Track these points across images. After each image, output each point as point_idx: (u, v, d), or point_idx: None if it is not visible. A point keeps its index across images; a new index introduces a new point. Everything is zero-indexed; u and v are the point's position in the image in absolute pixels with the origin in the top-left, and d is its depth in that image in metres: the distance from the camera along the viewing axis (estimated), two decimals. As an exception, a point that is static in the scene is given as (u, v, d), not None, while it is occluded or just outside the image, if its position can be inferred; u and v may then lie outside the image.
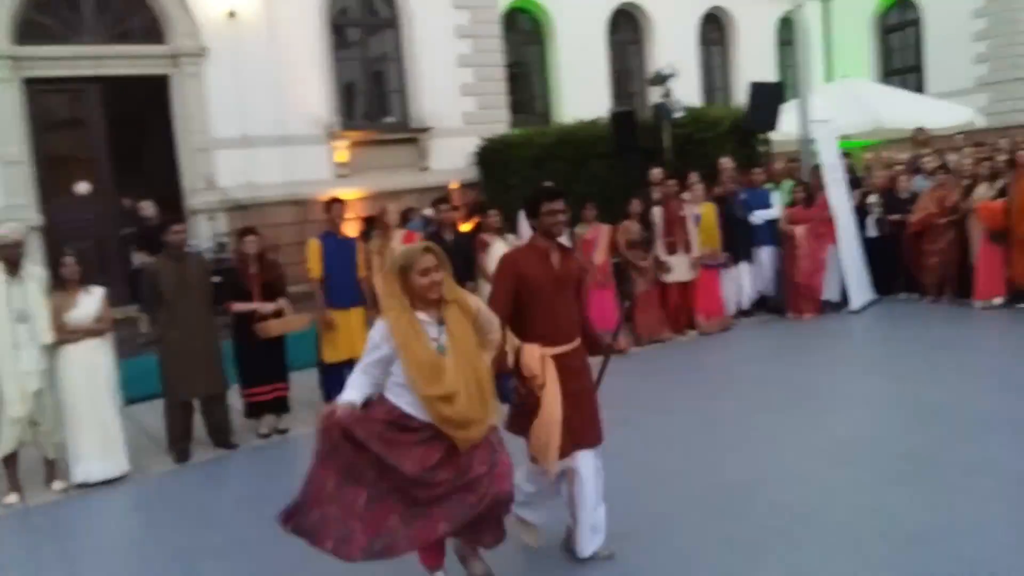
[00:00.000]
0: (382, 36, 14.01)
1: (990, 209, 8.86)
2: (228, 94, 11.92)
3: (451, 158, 13.74)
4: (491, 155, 13.08)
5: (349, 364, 7.19)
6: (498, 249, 7.96)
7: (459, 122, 14.06)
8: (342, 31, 13.65)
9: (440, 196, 8.19)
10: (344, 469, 3.32)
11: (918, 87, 19.60)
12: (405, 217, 10.05)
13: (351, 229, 8.91)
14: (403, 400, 3.31)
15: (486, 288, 7.96)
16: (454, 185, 12.80)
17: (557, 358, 3.75)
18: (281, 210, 12.38)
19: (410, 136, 13.76)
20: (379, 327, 3.32)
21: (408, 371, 3.23)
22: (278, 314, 6.75)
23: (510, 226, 8.55)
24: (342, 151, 12.96)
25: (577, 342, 3.88)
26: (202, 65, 11.91)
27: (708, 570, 3.85)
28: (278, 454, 6.48)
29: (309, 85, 12.75)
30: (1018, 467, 4.70)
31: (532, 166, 11.75)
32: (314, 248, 7.09)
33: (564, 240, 3.99)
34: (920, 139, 11.58)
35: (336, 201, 7.31)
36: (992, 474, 4.66)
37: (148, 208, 9.62)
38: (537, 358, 3.69)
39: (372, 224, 7.99)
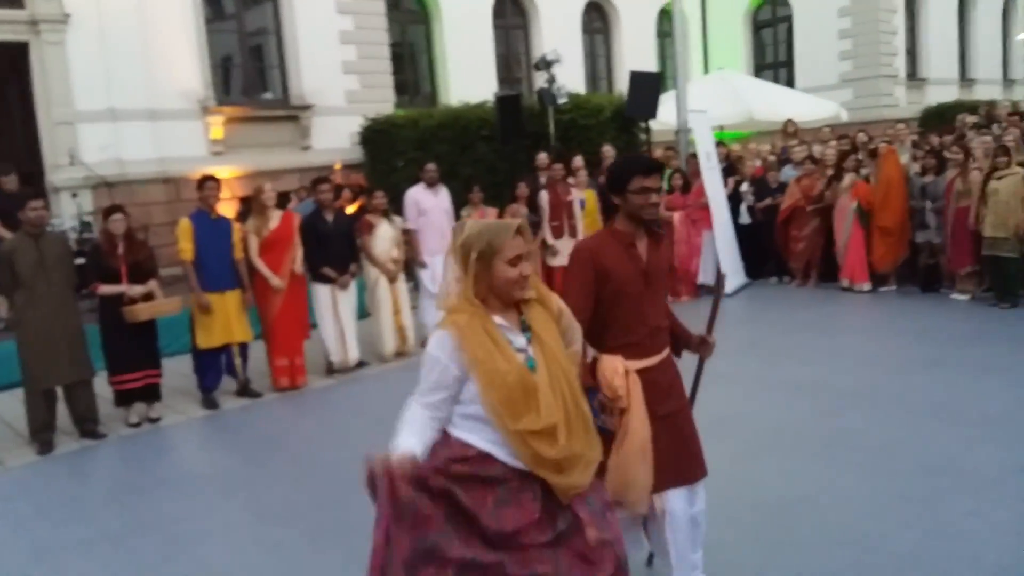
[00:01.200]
0: (261, 9, 13.50)
1: (864, 188, 9.38)
2: (93, 64, 11.19)
3: (334, 137, 13.42)
4: (376, 135, 12.85)
5: (224, 350, 6.95)
6: (383, 231, 7.87)
7: (342, 100, 13.75)
8: (218, 2, 13.07)
9: (320, 176, 7.97)
10: (416, 543, 2.29)
11: (789, 81, 20.57)
12: (289, 197, 9.76)
13: (227, 209, 8.57)
14: (478, 436, 2.36)
15: (371, 272, 7.87)
16: (337, 166, 12.52)
17: (643, 373, 3.02)
18: (151, 188, 11.78)
19: (290, 113, 13.35)
20: (440, 339, 2.34)
21: (489, 398, 2.30)
22: (148, 297, 6.42)
23: (395, 207, 8.43)
24: (217, 127, 12.43)
25: (667, 352, 3.17)
26: (64, 32, 11.11)
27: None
28: (149, 444, 6.17)
29: (181, 57, 12.14)
30: (877, 439, 5.02)
31: (417, 147, 11.62)
32: (185, 228, 6.76)
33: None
34: (790, 131, 12.16)
35: (210, 179, 7.00)
36: (853, 446, 4.95)
37: (11, 183, 8.94)
38: (620, 373, 2.97)
39: (249, 204, 7.71)
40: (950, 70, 22.81)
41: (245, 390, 7.14)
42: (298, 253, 7.27)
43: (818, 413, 5.61)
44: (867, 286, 9.54)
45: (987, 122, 11.84)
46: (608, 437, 2.89)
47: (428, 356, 2.37)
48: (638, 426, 2.96)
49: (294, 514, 4.60)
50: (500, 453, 2.33)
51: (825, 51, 20.34)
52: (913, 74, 21.57)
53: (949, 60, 22.81)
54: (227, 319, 6.81)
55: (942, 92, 20.91)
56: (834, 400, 5.87)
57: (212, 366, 6.99)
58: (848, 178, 9.57)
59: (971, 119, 12.05)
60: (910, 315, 8.44)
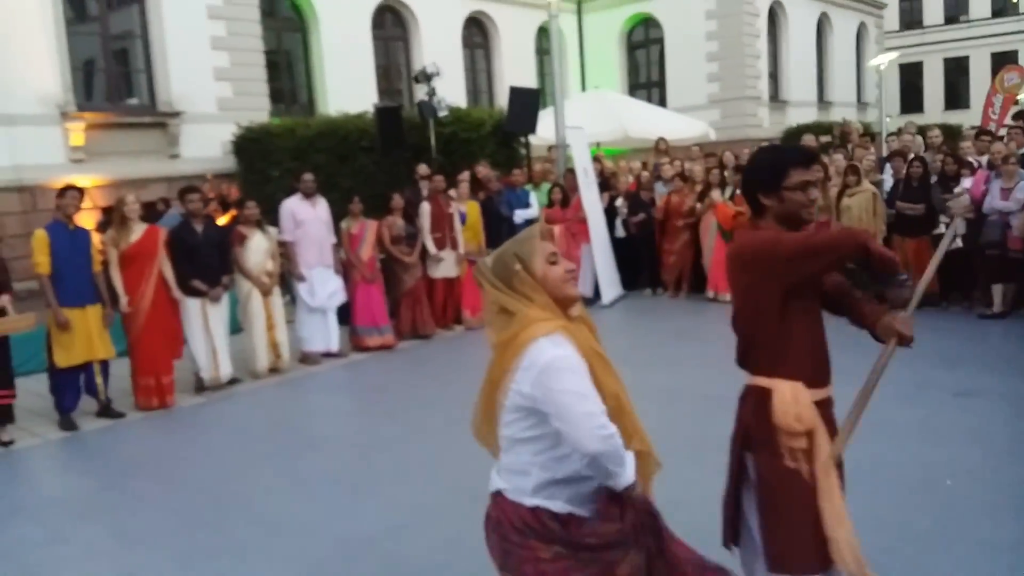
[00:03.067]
0: (127, 11, 12.91)
1: (724, 210, 9.84)
2: (-63, 63, 10.41)
3: (205, 146, 12.95)
4: (249, 144, 12.48)
5: (84, 368, 6.57)
6: (257, 243, 7.65)
7: (213, 108, 13.30)
8: (80, 3, 12.41)
9: (188, 186, 7.67)
10: None
11: (661, 101, 21.38)
12: (157, 208, 9.35)
13: (87, 220, 8.12)
14: (564, 494, 2.08)
15: (244, 285, 7.63)
16: (208, 175, 12.08)
17: (820, 406, 2.46)
18: (5, 197, 11.06)
19: (157, 120, 12.80)
20: (553, 340, 2.02)
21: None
22: (0, 313, 6.00)
23: (271, 218, 8.22)
24: (78, 134, 11.77)
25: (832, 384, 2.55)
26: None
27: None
28: (1, 469, 5.75)
29: (39, 59, 11.44)
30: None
31: (294, 157, 11.37)
32: (41, 240, 6.35)
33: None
34: (661, 148, 12.62)
35: (70, 188, 6.62)
36: (720, 449, 5.15)
37: None
38: (809, 405, 2.41)
39: (111, 215, 7.32)
40: (809, 93, 24.29)
41: (107, 410, 6.76)
42: (166, 268, 6.96)
43: (689, 418, 5.83)
44: (729, 296, 9.97)
45: (841, 142, 12.65)
46: (775, 498, 2.45)
47: (558, 360, 1.98)
48: (826, 476, 2.41)
49: (159, 538, 4.39)
50: (584, 508, 2.09)
51: (694, 73, 21.26)
52: (775, 96, 22.83)
53: (808, 83, 24.29)
54: (87, 335, 6.46)
55: (802, 113, 22.26)
56: (704, 405, 6.10)
57: (71, 385, 6.58)
58: (712, 195, 10.01)
59: (810, 139, 12.78)
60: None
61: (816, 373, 2.46)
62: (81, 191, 6.74)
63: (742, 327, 2.61)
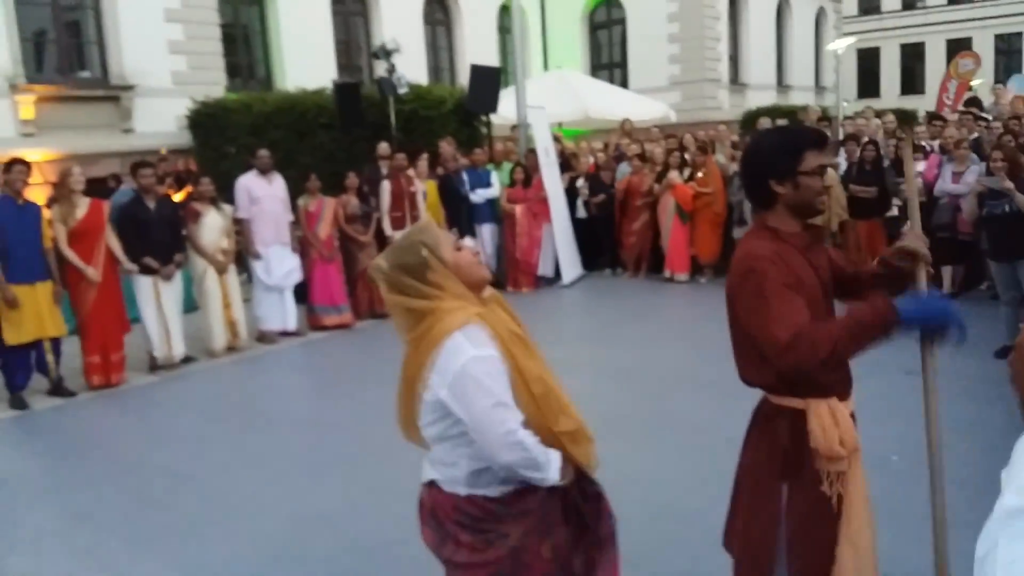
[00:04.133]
0: (78, -19, 12.53)
1: (683, 191, 9.92)
2: None
3: (159, 120, 12.65)
4: (205, 119, 12.23)
5: (35, 346, 6.44)
6: (211, 220, 7.53)
7: (168, 82, 12.99)
8: (28, -28, 12.02)
9: (141, 161, 7.50)
10: None
11: (623, 82, 21.38)
12: (108, 184, 9.13)
13: (37, 195, 7.91)
14: (500, 477, 2.06)
15: (199, 263, 7.51)
16: (162, 151, 11.83)
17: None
18: (-52, 170, 10.68)
19: (110, 94, 12.47)
20: (470, 334, 1.95)
21: (525, 398, 2.01)
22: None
23: (227, 196, 8.08)
24: (27, 107, 11.42)
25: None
26: None
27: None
28: (-57, 449, 5.62)
29: (-16, 28, 11.08)
30: (697, 419, 5.33)
31: (251, 133, 11.17)
32: (-13, 215, 6.19)
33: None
34: (627, 129, 12.65)
35: (18, 162, 6.43)
36: (674, 427, 5.24)
37: None
38: (850, 425, 2.23)
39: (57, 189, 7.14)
40: (768, 76, 24.51)
41: (58, 389, 6.63)
42: (113, 243, 6.81)
43: (644, 396, 5.90)
44: (685, 276, 10.09)
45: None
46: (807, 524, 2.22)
47: (472, 366, 1.90)
48: (858, 500, 2.23)
49: (110, 518, 4.33)
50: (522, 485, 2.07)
51: (656, 54, 21.30)
52: (735, 79, 22.98)
53: (767, 67, 24.49)
54: (38, 313, 6.31)
55: (761, 96, 22.44)
56: (657, 384, 6.19)
57: (21, 364, 6.45)
58: (670, 176, 10.08)
59: (766, 122, 12.89)
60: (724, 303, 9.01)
61: (844, 383, 2.26)
62: (28, 165, 6.56)
63: (746, 343, 2.32)
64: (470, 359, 1.90)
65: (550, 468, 2.02)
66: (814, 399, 2.18)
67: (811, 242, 2.27)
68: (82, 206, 6.67)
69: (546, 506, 2.09)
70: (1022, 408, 1.01)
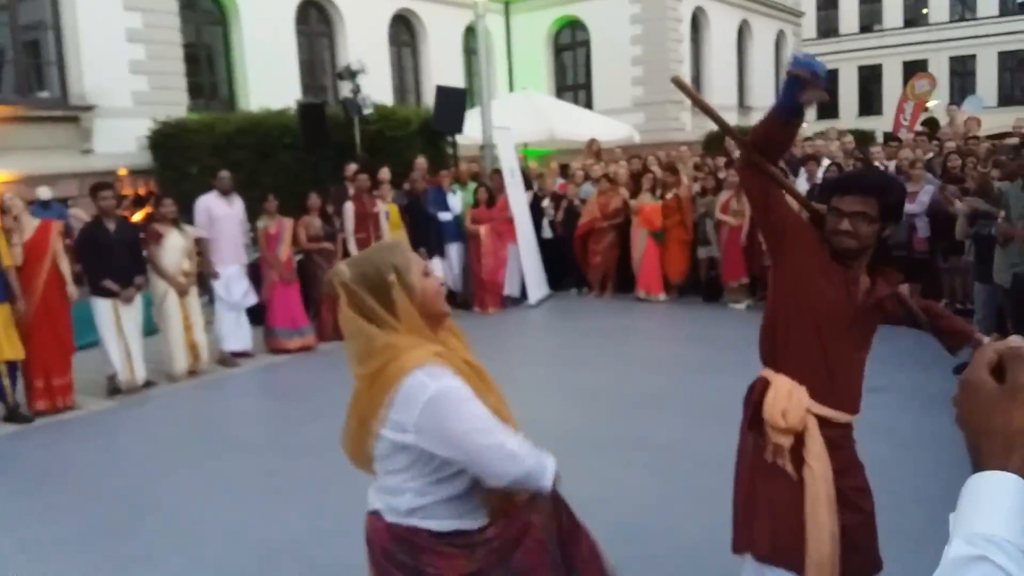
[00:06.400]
0: (38, 1, 12.37)
1: (648, 212, 10.01)
2: None
3: (120, 141, 12.51)
4: (166, 140, 12.12)
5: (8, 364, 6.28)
6: (173, 242, 7.44)
7: (129, 102, 12.86)
8: (-14, -10, 11.86)
9: (100, 182, 7.39)
10: None
11: (588, 103, 21.56)
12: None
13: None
14: (456, 513, 1.96)
15: (159, 285, 7.39)
16: (122, 172, 11.68)
17: (824, 428, 2.43)
18: (-100, 192, 10.43)
19: (69, 114, 12.31)
20: (432, 373, 1.85)
21: None
22: None
23: (187, 217, 7.99)
24: (-17, 127, 11.24)
25: (854, 418, 2.52)
26: None
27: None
28: None
29: (-61, 47, 10.88)
30: (662, 439, 5.34)
31: (213, 153, 11.08)
32: (-59, 236, 6.05)
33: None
34: (594, 149, 12.76)
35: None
36: (642, 446, 5.25)
37: None
38: (800, 406, 2.41)
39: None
40: (730, 97, 24.87)
41: (14, 414, 6.47)
42: (62, 264, 6.65)
43: (611, 416, 5.90)
44: (663, 297, 10.17)
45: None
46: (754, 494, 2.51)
47: (441, 393, 1.81)
48: (819, 487, 2.39)
49: (70, 548, 4.22)
50: (471, 522, 1.96)
51: (619, 76, 21.53)
52: (697, 100, 23.26)
53: (729, 88, 24.87)
54: (-5, 334, 6.18)
55: (724, 117, 22.71)
56: (625, 403, 6.20)
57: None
58: (641, 199, 10.17)
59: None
60: (693, 323, 9.10)
61: (823, 387, 2.41)
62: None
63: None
64: (435, 393, 1.81)
65: (547, 474, 1.98)
66: (783, 376, 2.43)
67: (831, 265, 2.41)
68: (30, 228, 6.54)
69: (489, 550, 1.96)
70: (969, 448, 0.98)
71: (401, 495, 1.94)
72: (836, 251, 2.38)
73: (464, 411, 1.83)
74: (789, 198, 2.56)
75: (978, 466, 0.94)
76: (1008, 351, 0.96)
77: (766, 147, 2.46)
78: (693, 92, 2.65)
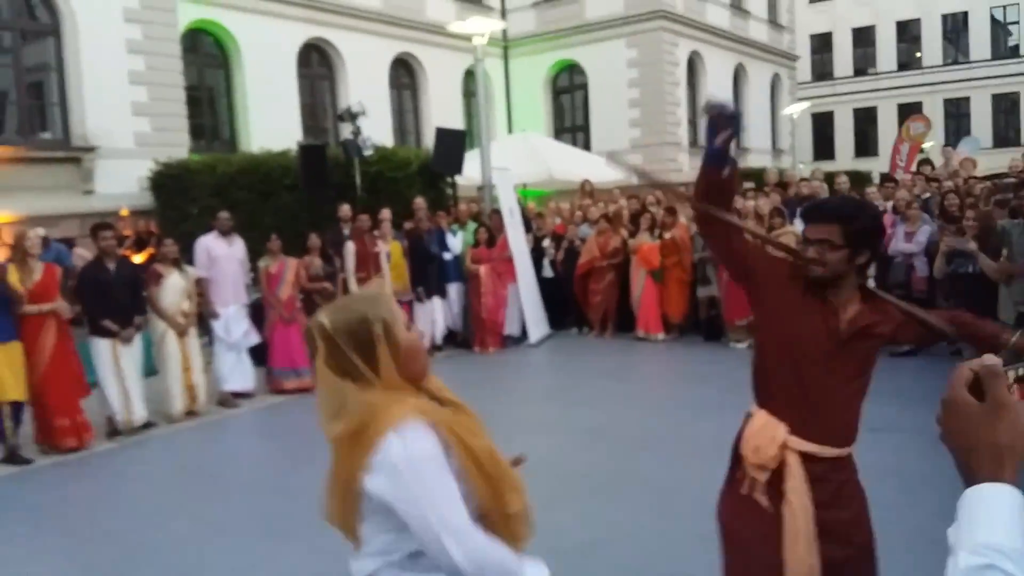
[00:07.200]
0: (42, 44, 12.55)
1: (646, 251, 10.05)
2: None
3: (121, 182, 12.59)
4: (168, 181, 12.19)
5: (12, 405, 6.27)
6: (173, 282, 7.44)
7: (131, 143, 12.97)
8: (-9, 34, 12.03)
9: (101, 222, 7.42)
10: None
11: (586, 144, 21.77)
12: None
13: (-4, 256, 7.76)
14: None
15: (159, 325, 7.38)
16: (123, 212, 11.72)
17: (808, 462, 2.40)
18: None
19: (71, 155, 12.41)
20: (411, 433, 1.71)
21: (478, 483, 1.80)
22: None
23: (188, 256, 8.01)
24: (-14, 168, 11.31)
25: (847, 452, 2.48)
26: None
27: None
28: None
29: (-57, 89, 11.00)
30: (663, 480, 5.29)
31: (214, 194, 11.14)
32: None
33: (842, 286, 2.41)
34: (587, 190, 12.84)
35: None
36: (645, 487, 5.19)
37: None
38: (775, 442, 2.40)
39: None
40: (726, 139, 25.08)
41: (13, 456, 6.40)
42: (60, 305, 6.63)
43: (613, 457, 5.85)
44: (662, 336, 10.16)
45: (757, 186, 13.08)
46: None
47: (417, 459, 1.69)
48: (799, 527, 2.34)
49: (62, 593, 4.15)
50: None
51: (617, 118, 21.77)
52: (695, 141, 23.51)
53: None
54: (13, 372, 6.22)
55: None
56: (627, 444, 6.15)
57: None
58: (639, 238, 10.22)
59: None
60: (694, 362, 9.07)
61: (803, 423, 2.39)
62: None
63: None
64: (407, 460, 1.68)
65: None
66: (764, 411, 2.43)
67: (825, 308, 2.38)
68: (38, 270, 6.55)
69: None
70: (958, 465, 1.03)
71: (389, 555, 1.81)
72: (810, 281, 2.37)
73: (428, 487, 1.69)
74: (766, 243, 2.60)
75: (970, 481, 0.99)
76: (984, 369, 1.01)
77: (712, 197, 2.43)
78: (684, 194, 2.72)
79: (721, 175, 2.37)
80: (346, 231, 9.43)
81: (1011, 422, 0.98)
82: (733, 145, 2.38)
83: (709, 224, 2.50)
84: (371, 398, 1.73)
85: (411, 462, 1.68)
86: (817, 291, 2.37)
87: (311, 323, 1.82)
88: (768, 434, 2.38)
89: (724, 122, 2.28)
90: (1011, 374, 1.03)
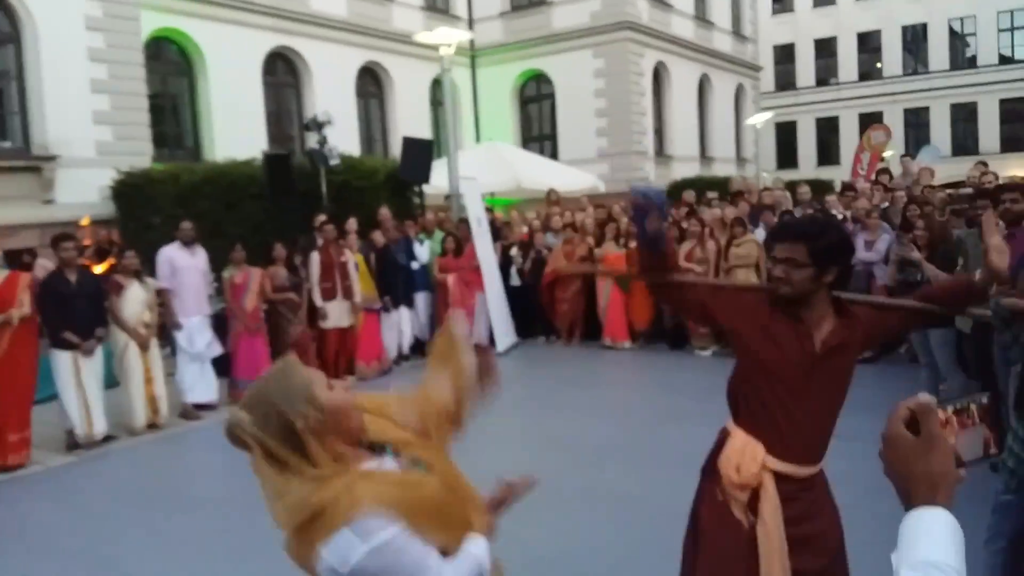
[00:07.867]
0: (2, 52, 12.33)
1: (612, 260, 10.12)
2: None
3: (82, 191, 12.38)
4: (130, 190, 12.02)
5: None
6: (134, 293, 7.35)
7: (92, 152, 12.76)
8: (-52, 41, 11.80)
9: (62, 233, 7.31)
10: None
11: (553, 154, 21.87)
12: (23, 260, 8.87)
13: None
14: None
15: (120, 337, 7.27)
16: (84, 221, 11.54)
17: (781, 482, 2.44)
18: None
19: (31, 164, 12.19)
20: (368, 531, 1.63)
21: (447, 523, 1.81)
22: None
23: (151, 267, 7.92)
24: (-59, 177, 11.08)
25: (817, 469, 2.52)
26: None
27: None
28: None
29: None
30: (626, 490, 5.33)
31: (177, 204, 11.00)
32: None
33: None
34: (552, 199, 12.90)
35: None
36: (609, 497, 5.22)
37: None
38: (756, 461, 2.43)
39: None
40: (692, 148, 25.38)
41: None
42: (13, 314, 6.49)
43: (577, 466, 5.87)
44: (628, 344, 10.23)
45: (721, 196, 13.22)
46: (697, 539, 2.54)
47: (373, 553, 1.61)
48: (771, 545, 2.39)
49: (18, 612, 4.07)
50: None
51: (584, 128, 21.91)
52: (661, 151, 23.74)
53: (691, 139, 25.39)
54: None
55: (686, 168, 23.21)
56: (592, 453, 6.18)
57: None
58: (605, 247, 10.30)
59: (690, 194, 13.20)
60: (660, 370, 9.15)
61: (781, 444, 2.42)
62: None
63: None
64: (364, 555, 1.62)
65: (484, 564, 1.86)
66: (742, 430, 2.46)
67: (788, 311, 2.41)
68: (-1, 277, 6.44)
69: None
70: (899, 492, 1.13)
71: None
72: (778, 299, 2.41)
73: (396, 566, 1.65)
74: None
75: (909, 507, 1.10)
76: (918, 406, 1.12)
77: (654, 268, 2.52)
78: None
79: (657, 253, 2.45)
80: (320, 240, 9.38)
81: (943, 453, 1.09)
82: (663, 224, 2.43)
83: (663, 290, 2.57)
84: (315, 490, 1.64)
85: (368, 556, 1.62)
86: (789, 311, 2.39)
87: (231, 421, 1.71)
88: (750, 454, 2.41)
89: (650, 207, 2.34)
90: (949, 408, 1.15)
